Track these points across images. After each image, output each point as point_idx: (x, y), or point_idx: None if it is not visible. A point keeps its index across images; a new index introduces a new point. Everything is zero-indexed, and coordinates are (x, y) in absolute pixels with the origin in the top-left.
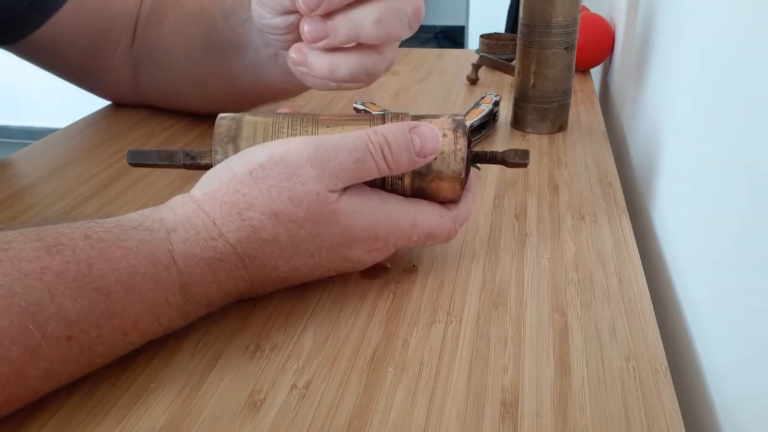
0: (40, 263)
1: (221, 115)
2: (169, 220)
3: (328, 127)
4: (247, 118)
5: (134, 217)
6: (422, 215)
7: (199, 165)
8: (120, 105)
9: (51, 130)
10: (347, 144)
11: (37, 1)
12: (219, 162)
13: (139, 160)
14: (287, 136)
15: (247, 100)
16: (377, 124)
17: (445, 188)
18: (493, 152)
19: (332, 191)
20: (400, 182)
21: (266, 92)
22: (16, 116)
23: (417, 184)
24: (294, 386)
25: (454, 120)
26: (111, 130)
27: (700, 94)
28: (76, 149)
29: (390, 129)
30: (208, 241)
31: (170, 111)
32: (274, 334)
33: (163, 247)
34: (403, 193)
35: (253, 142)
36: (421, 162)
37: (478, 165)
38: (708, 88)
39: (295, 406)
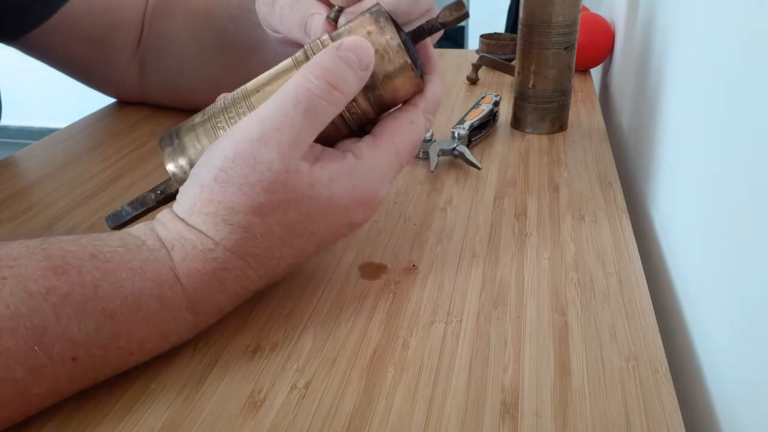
0: (46, 283)
1: (159, 136)
2: (167, 239)
3: (258, 92)
4: (184, 127)
5: (137, 234)
6: (398, 139)
7: (171, 195)
8: (121, 104)
9: (51, 130)
10: (287, 99)
11: None
12: (183, 180)
13: (118, 222)
14: (228, 127)
15: None
16: (303, 62)
17: (401, 84)
18: (427, 22)
19: (301, 161)
20: (356, 107)
21: None
22: (16, 116)
23: (373, 99)
24: (294, 386)
25: (371, 14)
26: (111, 129)
27: (700, 94)
28: (76, 149)
29: (320, 60)
30: (207, 253)
31: (170, 110)
32: (274, 334)
33: (166, 266)
34: (366, 116)
35: (200, 147)
36: (366, 75)
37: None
38: (708, 88)
39: (295, 406)
